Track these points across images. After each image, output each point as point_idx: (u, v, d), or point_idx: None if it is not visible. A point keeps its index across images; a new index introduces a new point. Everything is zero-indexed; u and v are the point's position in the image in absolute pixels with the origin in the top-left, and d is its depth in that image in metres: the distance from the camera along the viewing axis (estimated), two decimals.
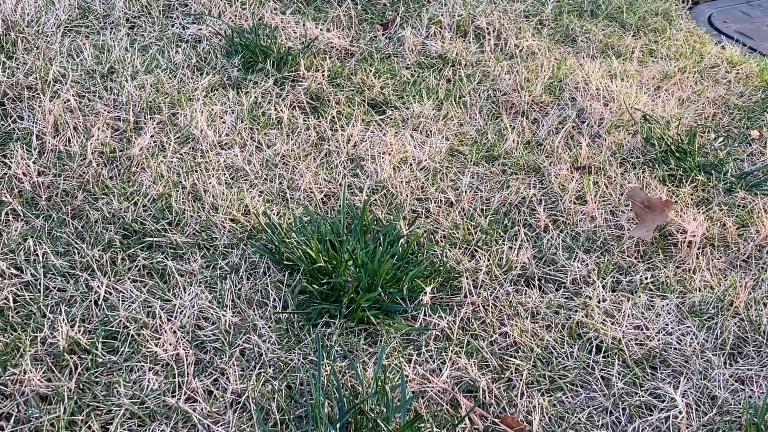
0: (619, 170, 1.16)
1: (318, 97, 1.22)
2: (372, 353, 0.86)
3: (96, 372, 0.81)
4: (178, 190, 1.02)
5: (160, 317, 0.86)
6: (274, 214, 1.01)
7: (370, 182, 1.05)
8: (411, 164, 1.12)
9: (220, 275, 0.93)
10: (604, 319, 0.93)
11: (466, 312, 0.92)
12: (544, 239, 1.03)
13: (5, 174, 1.03)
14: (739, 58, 1.46)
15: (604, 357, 0.89)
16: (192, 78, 1.22)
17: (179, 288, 0.90)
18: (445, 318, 0.91)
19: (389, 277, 0.91)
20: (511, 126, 1.22)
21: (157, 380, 0.81)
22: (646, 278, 1.00)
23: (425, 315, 0.91)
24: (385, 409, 0.79)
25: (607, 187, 1.13)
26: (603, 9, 1.54)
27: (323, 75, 1.26)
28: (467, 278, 0.95)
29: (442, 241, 1.01)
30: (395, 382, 0.82)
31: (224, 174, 1.06)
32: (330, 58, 1.31)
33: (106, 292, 0.89)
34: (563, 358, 0.89)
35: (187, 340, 0.85)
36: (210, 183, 1.04)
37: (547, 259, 1.00)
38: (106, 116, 1.13)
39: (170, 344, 0.84)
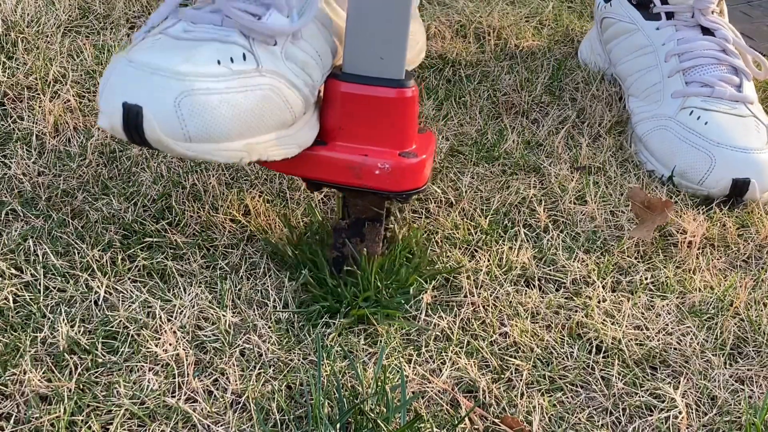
0: (619, 170, 1.16)
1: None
2: (372, 353, 0.86)
3: (96, 372, 0.81)
4: (178, 190, 1.02)
5: (160, 317, 0.86)
6: (275, 214, 1.01)
7: None
8: None
9: (221, 275, 0.93)
10: (604, 320, 0.93)
11: (467, 312, 0.92)
12: (544, 239, 1.03)
13: (5, 174, 1.03)
14: None
15: (604, 357, 0.89)
16: None
17: (179, 288, 0.90)
18: (446, 318, 0.91)
19: (383, 275, 0.91)
20: (511, 126, 1.22)
21: (157, 380, 0.81)
22: (646, 278, 1.00)
23: (426, 315, 0.91)
24: (385, 410, 0.79)
25: (607, 187, 1.13)
26: None
27: None
28: (467, 278, 0.95)
29: (441, 241, 1.01)
30: (395, 382, 0.82)
31: (224, 174, 1.06)
32: None
33: (106, 293, 0.89)
34: (563, 359, 0.89)
35: (187, 341, 0.85)
36: (210, 183, 1.04)
37: (547, 259, 1.00)
38: None
39: (170, 344, 0.84)
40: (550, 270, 0.99)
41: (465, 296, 0.94)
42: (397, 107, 0.86)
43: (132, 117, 0.74)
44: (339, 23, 0.91)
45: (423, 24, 1.08)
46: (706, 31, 1.24)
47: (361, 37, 0.85)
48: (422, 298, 0.92)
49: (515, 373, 0.86)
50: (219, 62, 0.78)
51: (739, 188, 1.11)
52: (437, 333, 0.89)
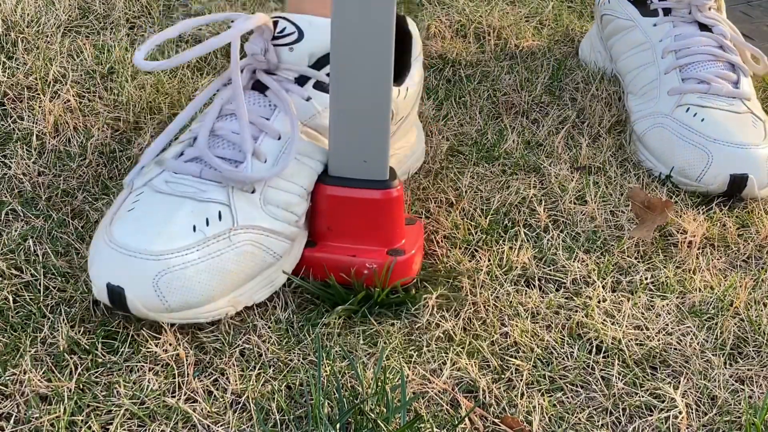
0: (619, 170, 1.16)
1: None
2: (371, 354, 0.86)
3: (96, 372, 0.81)
4: None
5: None
6: None
7: None
8: None
9: None
10: (604, 320, 0.93)
11: (467, 312, 0.92)
12: (544, 239, 1.03)
13: (5, 174, 1.03)
14: None
15: (604, 357, 0.89)
16: (192, 78, 1.22)
17: None
18: (448, 318, 0.91)
19: None
20: (511, 126, 1.22)
21: (157, 380, 0.81)
22: (646, 278, 1.00)
23: (429, 315, 0.91)
24: (385, 410, 0.79)
25: (607, 187, 1.13)
26: None
27: None
28: (468, 278, 0.95)
29: (442, 241, 1.01)
30: (395, 382, 0.82)
31: None
32: None
33: None
34: (563, 359, 0.89)
35: (187, 341, 0.85)
36: None
37: (548, 259, 1.00)
38: (106, 116, 1.13)
39: (170, 344, 0.84)
40: (551, 270, 0.99)
41: (466, 296, 0.94)
42: (382, 208, 0.89)
43: (116, 296, 0.81)
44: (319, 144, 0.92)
45: (422, 130, 1.14)
46: (704, 27, 1.24)
47: (344, 142, 0.88)
48: (426, 300, 0.92)
49: (515, 373, 0.86)
50: (194, 228, 0.82)
51: (737, 184, 1.11)
52: (439, 334, 0.89)
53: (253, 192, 0.86)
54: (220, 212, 0.84)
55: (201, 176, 0.86)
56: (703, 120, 1.14)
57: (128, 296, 0.81)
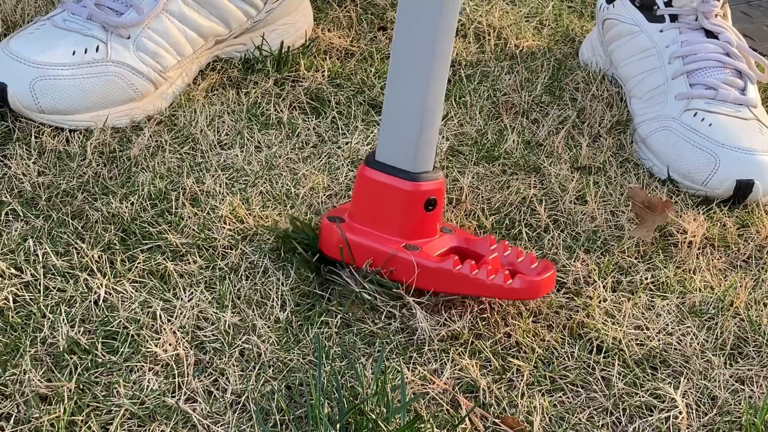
0: (619, 170, 1.16)
1: (318, 97, 1.22)
2: (370, 354, 0.86)
3: (96, 372, 0.81)
4: (177, 191, 1.02)
5: (160, 318, 0.86)
6: (275, 214, 1.01)
7: None
8: None
9: (220, 276, 0.93)
10: (604, 320, 0.93)
11: (471, 311, 0.92)
12: (545, 239, 1.03)
13: (5, 174, 1.03)
14: None
15: (604, 357, 0.89)
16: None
17: (179, 289, 0.90)
18: (449, 318, 0.91)
19: None
20: (511, 126, 1.22)
21: (156, 380, 0.81)
22: (647, 278, 1.00)
23: (436, 314, 0.91)
24: (385, 410, 0.79)
25: (607, 187, 1.13)
26: None
27: (323, 75, 1.26)
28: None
29: None
30: (395, 382, 0.82)
31: (224, 174, 1.06)
32: (330, 58, 1.31)
33: (105, 293, 0.89)
34: (564, 359, 0.89)
35: (186, 341, 0.85)
36: (210, 183, 1.04)
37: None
38: None
39: (170, 344, 0.84)
40: None
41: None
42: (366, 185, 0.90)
43: (1, 90, 1.04)
44: (201, 22, 1.15)
45: (311, 12, 1.34)
46: (710, 34, 1.24)
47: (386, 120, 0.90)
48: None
49: (516, 373, 0.86)
50: (74, 53, 1.05)
51: (743, 190, 1.11)
52: (443, 333, 0.89)
53: (128, 38, 1.08)
54: (98, 46, 1.06)
55: (91, 19, 1.08)
56: (711, 125, 1.14)
57: (9, 91, 1.03)
